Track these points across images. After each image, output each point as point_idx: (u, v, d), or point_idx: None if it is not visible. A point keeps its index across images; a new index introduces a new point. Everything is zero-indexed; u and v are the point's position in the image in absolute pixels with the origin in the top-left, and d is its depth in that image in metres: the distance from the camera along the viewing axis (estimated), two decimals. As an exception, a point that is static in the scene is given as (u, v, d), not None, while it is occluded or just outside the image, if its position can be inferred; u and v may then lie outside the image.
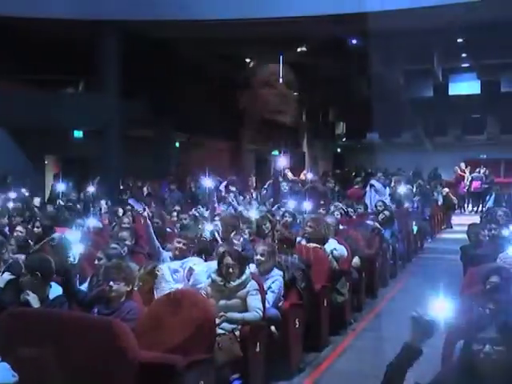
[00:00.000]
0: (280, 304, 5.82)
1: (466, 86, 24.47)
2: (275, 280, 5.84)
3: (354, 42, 17.06)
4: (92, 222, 9.08)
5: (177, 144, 20.32)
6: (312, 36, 17.44)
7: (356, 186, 16.52)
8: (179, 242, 6.32)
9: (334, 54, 19.83)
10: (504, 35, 19.62)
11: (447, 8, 14.32)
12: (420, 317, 2.89)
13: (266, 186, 13.92)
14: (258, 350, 5.21)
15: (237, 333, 5.10)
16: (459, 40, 19.32)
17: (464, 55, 21.78)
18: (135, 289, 5.12)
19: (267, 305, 5.52)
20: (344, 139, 29.90)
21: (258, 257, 5.94)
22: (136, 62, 16.46)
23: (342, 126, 29.57)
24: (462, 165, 24.57)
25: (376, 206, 11.59)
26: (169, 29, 16.11)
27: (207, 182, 11.65)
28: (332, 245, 7.50)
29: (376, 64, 20.62)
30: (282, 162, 15.62)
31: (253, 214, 9.00)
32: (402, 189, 15.09)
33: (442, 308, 2.91)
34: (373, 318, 8.33)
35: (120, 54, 16.51)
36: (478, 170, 23.63)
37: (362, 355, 6.69)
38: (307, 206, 10.26)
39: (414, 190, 17.27)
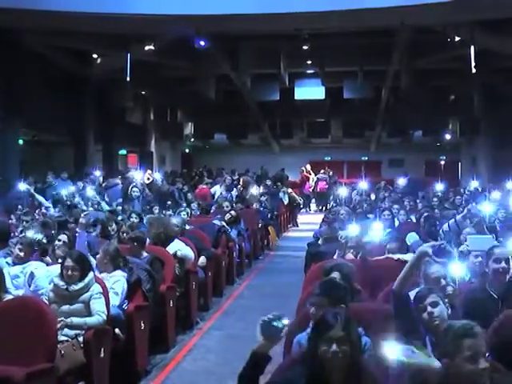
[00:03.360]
0: (124, 306, 5.74)
1: (311, 92, 25.32)
2: (117, 280, 5.76)
3: (202, 43, 17.12)
4: None
5: (20, 141, 19.38)
6: (160, 35, 17.32)
7: (203, 186, 16.73)
8: (17, 245, 6.06)
9: (182, 54, 19.83)
10: (347, 44, 20.66)
11: (294, 16, 14.75)
12: (268, 322, 2.83)
13: (112, 186, 13.61)
14: (102, 355, 5.09)
15: (80, 338, 4.97)
16: (305, 47, 19.98)
17: (309, 62, 22.54)
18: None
19: (110, 307, 5.41)
20: (192, 139, 29.99)
21: (98, 256, 5.85)
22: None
23: (191, 126, 29.63)
24: (308, 166, 25.54)
25: (223, 206, 11.75)
26: (13, 17, 15.27)
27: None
28: (176, 245, 7.51)
29: (224, 66, 20.87)
30: (129, 161, 15.40)
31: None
32: (250, 189, 15.47)
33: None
34: (219, 316, 8.43)
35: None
36: (322, 171, 24.66)
37: (207, 354, 6.75)
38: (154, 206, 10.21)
39: (261, 190, 17.71)
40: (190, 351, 6.82)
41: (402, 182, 17.00)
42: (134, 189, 12.04)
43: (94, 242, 7.34)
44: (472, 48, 17.18)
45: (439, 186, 15.58)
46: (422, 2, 13.74)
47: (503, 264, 4.53)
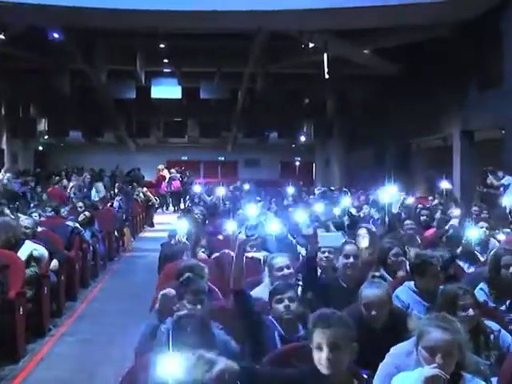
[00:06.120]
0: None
1: (167, 91, 25.30)
2: None
3: (56, 35, 16.47)
4: None
5: None
6: (12, 24, 16.47)
7: (56, 186, 16.19)
8: None
9: (34, 46, 19.02)
10: (204, 45, 20.79)
11: (149, 13, 14.61)
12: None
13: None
14: None
15: None
16: (162, 46, 19.86)
17: (166, 61, 22.45)
18: None
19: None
20: (46, 136, 28.82)
21: None
22: None
23: (44, 122, 28.44)
24: (162, 166, 25.39)
25: (77, 207, 11.45)
26: None
27: None
28: (30, 246, 7.16)
29: (79, 61, 20.28)
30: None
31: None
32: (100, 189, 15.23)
33: None
34: (73, 321, 8.14)
35: None
36: (173, 170, 24.60)
37: (60, 361, 6.50)
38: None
39: (116, 190, 17.41)
40: (42, 360, 6.52)
41: (247, 187, 18.12)
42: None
43: None
44: (325, 55, 17.89)
45: (290, 189, 16.21)
46: (277, 8, 14.10)
47: (351, 259, 4.99)
